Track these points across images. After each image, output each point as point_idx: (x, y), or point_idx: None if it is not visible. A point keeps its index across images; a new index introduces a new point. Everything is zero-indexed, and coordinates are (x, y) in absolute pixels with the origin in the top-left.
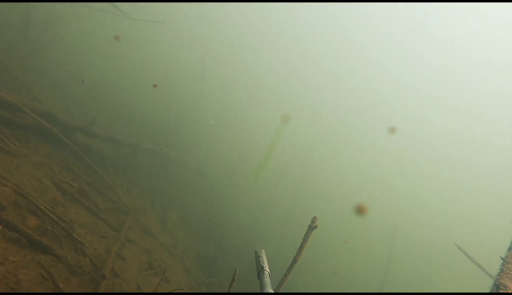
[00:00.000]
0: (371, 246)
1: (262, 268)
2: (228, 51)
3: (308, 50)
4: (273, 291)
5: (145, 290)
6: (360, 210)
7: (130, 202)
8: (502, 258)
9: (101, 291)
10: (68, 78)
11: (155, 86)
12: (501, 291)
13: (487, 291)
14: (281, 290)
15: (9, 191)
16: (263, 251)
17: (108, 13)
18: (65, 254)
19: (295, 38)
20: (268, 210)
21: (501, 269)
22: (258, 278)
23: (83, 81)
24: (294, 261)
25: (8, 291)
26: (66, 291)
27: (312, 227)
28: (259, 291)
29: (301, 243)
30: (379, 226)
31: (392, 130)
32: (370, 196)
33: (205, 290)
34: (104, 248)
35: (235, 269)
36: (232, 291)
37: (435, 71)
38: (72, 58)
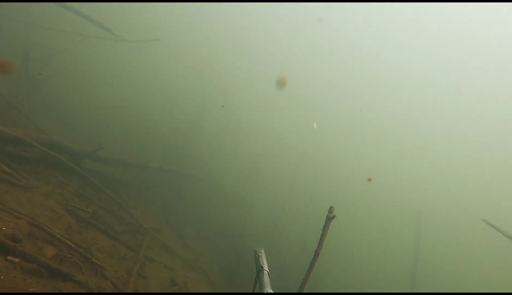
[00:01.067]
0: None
1: (262, 267)
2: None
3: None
4: (272, 291)
5: None
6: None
7: (146, 222)
8: None
9: None
10: (72, 108)
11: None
12: None
13: None
14: (306, 287)
15: (23, 223)
16: (262, 250)
17: (103, 38)
18: (86, 279)
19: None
20: (286, 212)
21: None
22: (257, 278)
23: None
24: (316, 254)
25: None
26: None
27: (330, 218)
28: (260, 291)
29: (321, 235)
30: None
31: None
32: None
33: None
34: (125, 269)
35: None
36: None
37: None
38: (74, 87)
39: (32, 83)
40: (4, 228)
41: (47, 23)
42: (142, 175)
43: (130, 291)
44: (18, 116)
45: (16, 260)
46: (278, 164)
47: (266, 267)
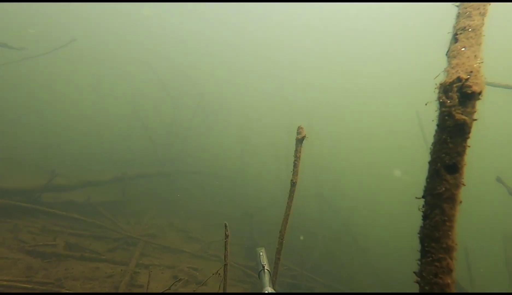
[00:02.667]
0: None
1: (263, 266)
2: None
3: None
4: (273, 291)
5: None
6: None
7: (145, 231)
8: None
9: None
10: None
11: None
12: None
13: None
14: (287, 223)
15: None
16: (263, 249)
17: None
18: None
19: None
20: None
21: None
22: (259, 277)
23: None
24: (293, 183)
25: None
26: None
27: (300, 140)
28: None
29: (294, 162)
30: None
31: None
32: None
33: (252, 273)
34: (111, 286)
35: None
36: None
37: None
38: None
39: None
40: None
41: None
42: (123, 188)
43: None
44: None
45: None
46: None
47: (267, 266)
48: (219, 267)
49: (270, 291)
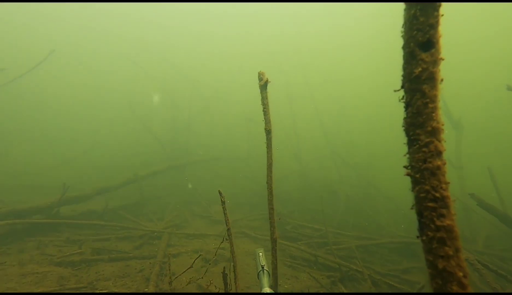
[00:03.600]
0: None
1: (262, 267)
2: None
3: None
4: (272, 291)
5: (204, 285)
6: None
7: (164, 225)
8: None
9: None
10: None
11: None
12: None
13: None
14: (271, 172)
15: None
16: (262, 250)
17: None
18: None
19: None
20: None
21: None
22: (258, 278)
23: None
24: (267, 131)
25: None
26: None
27: (264, 86)
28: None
29: (263, 109)
30: None
31: None
32: None
33: (281, 241)
34: (142, 279)
35: (219, 191)
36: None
37: None
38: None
39: None
40: None
41: None
42: (139, 190)
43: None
44: None
45: None
46: None
47: (266, 267)
48: (244, 243)
49: (269, 292)
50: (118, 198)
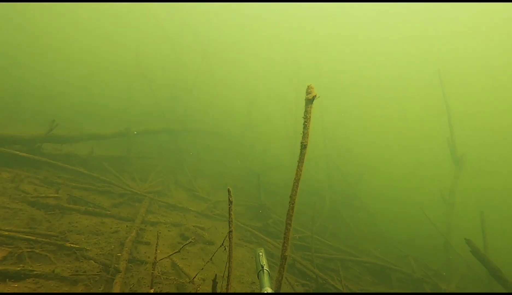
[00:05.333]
0: None
1: (262, 267)
2: None
3: None
4: (272, 291)
5: (181, 265)
6: None
7: (147, 188)
8: None
9: (117, 285)
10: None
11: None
12: None
13: None
14: (298, 187)
15: None
16: (262, 250)
17: None
18: (54, 268)
19: None
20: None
21: None
22: (258, 278)
23: None
24: (303, 146)
25: None
26: None
27: (310, 100)
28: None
29: (304, 123)
30: None
31: None
32: None
33: (259, 235)
34: (117, 242)
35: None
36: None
37: None
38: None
39: None
40: None
41: None
42: (127, 144)
43: (122, 264)
44: None
45: None
46: None
47: (266, 266)
48: (224, 227)
49: (269, 292)
50: (104, 147)
